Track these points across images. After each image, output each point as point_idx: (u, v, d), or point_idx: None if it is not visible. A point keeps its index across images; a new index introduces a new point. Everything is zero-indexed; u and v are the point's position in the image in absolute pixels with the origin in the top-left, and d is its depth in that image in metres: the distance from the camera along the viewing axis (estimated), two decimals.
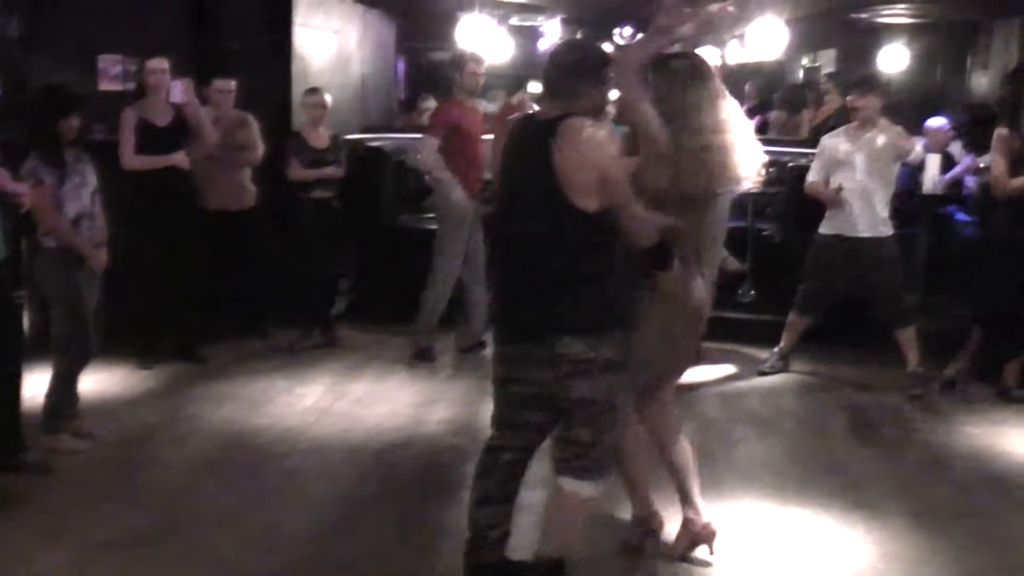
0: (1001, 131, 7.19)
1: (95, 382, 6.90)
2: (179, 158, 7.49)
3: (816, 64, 17.84)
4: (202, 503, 5.32)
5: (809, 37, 15.47)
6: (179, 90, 7.40)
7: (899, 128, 7.41)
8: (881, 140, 7.29)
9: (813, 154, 7.67)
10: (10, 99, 8.11)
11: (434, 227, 8.10)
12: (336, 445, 6.20)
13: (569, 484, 4.09)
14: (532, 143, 3.97)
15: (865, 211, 7.29)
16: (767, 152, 4.54)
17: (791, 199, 8.49)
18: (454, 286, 8.07)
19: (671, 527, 4.82)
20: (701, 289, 4.43)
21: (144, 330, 7.74)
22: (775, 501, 5.45)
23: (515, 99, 8.01)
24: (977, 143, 8.46)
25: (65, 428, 6.02)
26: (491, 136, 5.02)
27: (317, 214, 8.20)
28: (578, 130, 3.88)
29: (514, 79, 15.02)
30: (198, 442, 6.21)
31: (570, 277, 3.97)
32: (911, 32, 15.08)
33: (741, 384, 7.66)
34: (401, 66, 15.09)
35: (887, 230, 7.35)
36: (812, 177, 7.53)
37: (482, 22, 11.29)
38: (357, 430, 6.47)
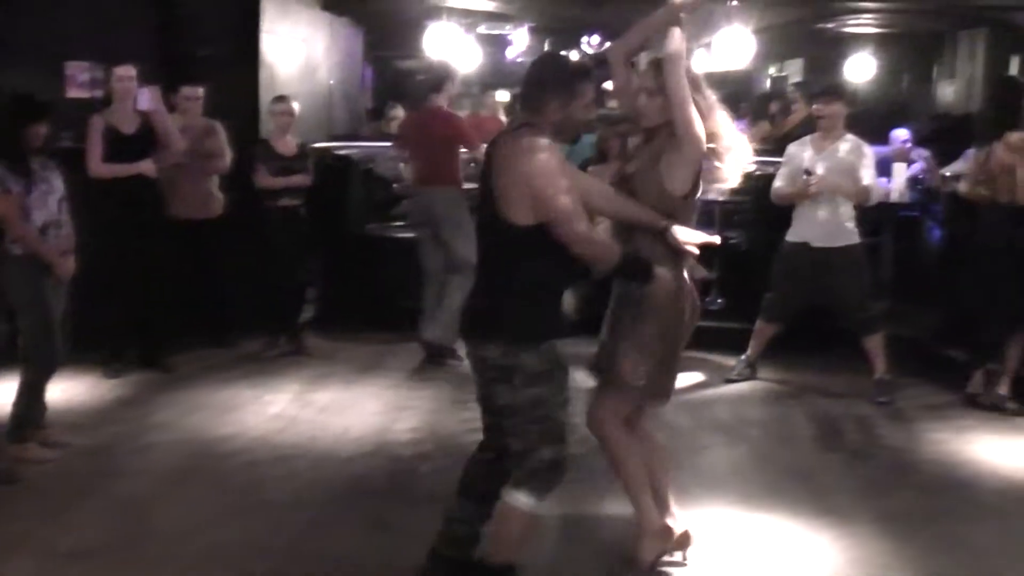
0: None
1: (62, 391, 6.84)
2: (146, 166, 7.45)
3: (783, 74, 17.93)
4: (168, 512, 5.29)
5: (776, 47, 15.57)
6: (146, 97, 7.38)
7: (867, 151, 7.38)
8: (845, 148, 7.34)
9: (779, 163, 7.71)
10: None
11: (403, 235, 8.05)
12: (303, 453, 6.18)
13: (506, 494, 4.11)
14: (487, 156, 4.11)
15: (831, 219, 7.32)
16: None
17: (758, 207, 8.52)
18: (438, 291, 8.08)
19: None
20: (693, 294, 4.50)
21: (111, 338, 7.70)
22: (742, 508, 5.46)
23: (484, 110, 8.02)
24: (944, 151, 8.54)
25: (32, 437, 5.97)
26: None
27: (285, 222, 8.17)
28: (513, 144, 3.94)
29: (481, 87, 15.06)
30: (165, 451, 6.18)
31: (501, 286, 4.04)
32: (878, 42, 15.21)
33: (708, 392, 7.66)
34: (368, 75, 15.09)
35: (854, 238, 7.39)
36: (778, 183, 7.56)
37: (450, 31, 11.31)
38: (324, 438, 6.45)
